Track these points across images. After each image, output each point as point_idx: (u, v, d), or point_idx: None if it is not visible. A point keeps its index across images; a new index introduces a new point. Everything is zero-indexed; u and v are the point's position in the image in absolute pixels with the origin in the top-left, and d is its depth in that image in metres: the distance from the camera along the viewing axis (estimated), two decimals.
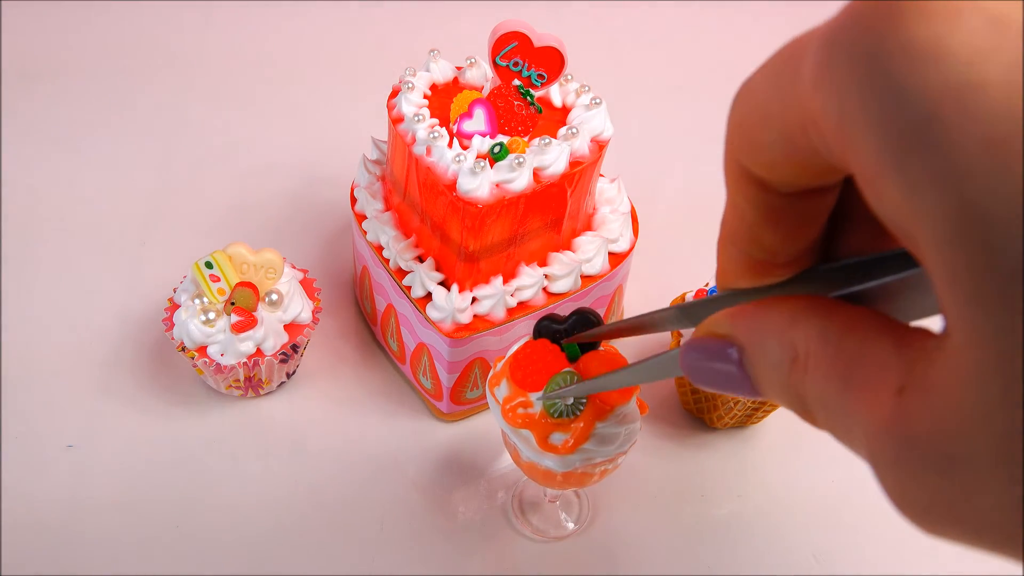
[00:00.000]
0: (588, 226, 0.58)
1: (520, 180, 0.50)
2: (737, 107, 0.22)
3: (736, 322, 0.23)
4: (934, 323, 0.20)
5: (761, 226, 0.23)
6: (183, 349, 0.56)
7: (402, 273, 0.56)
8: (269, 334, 0.55)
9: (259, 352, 0.55)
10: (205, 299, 0.55)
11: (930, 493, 0.17)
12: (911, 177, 0.16)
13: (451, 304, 0.53)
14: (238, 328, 0.54)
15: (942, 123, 0.15)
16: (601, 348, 0.45)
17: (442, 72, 0.56)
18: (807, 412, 0.21)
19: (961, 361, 0.16)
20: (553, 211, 0.53)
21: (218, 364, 0.55)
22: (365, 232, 0.58)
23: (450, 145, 0.51)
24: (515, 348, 0.46)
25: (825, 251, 0.24)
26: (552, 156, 0.51)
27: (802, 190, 0.22)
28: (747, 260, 0.24)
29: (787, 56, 0.19)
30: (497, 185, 0.50)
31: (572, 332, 0.44)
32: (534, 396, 0.44)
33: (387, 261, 0.56)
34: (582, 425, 0.43)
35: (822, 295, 0.22)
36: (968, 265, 0.16)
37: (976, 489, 0.17)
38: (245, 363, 0.55)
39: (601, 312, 0.59)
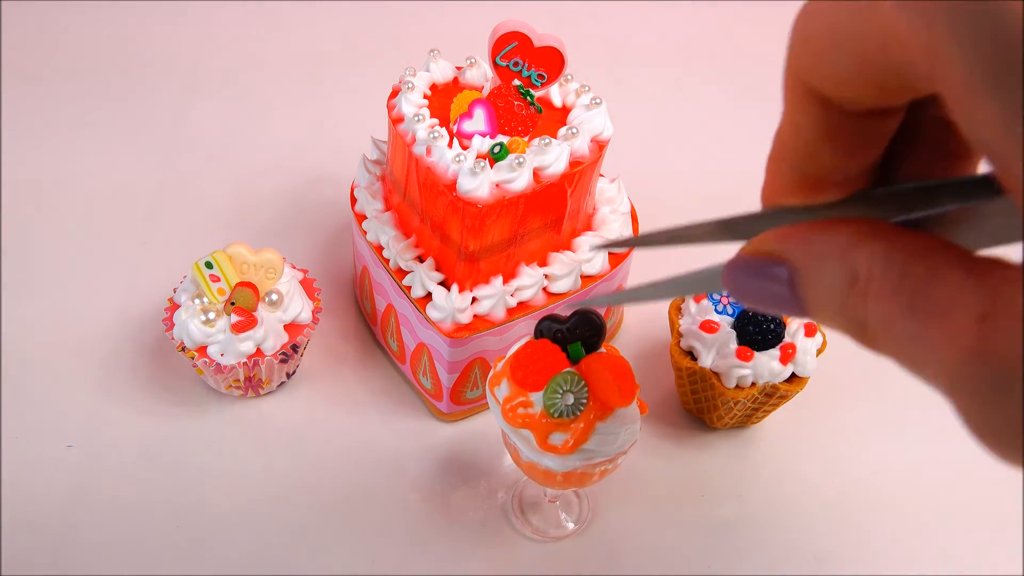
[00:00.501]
0: (588, 226, 0.58)
1: (520, 180, 0.50)
2: (803, 22, 0.21)
3: (789, 242, 0.22)
4: (1001, 252, 0.20)
5: (819, 144, 0.22)
6: (183, 349, 0.56)
7: (402, 273, 0.56)
8: (269, 334, 0.55)
9: (259, 352, 0.55)
10: (205, 299, 0.55)
11: (1018, 421, 0.17)
12: (1007, 101, 0.16)
13: (451, 304, 0.53)
14: (238, 328, 0.54)
15: None
16: (603, 350, 0.45)
17: (442, 72, 0.56)
18: (865, 335, 0.21)
19: None
20: (553, 211, 0.53)
21: (218, 364, 0.55)
22: (365, 232, 0.58)
23: (450, 145, 0.51)
24: (516, 348, 0.46)
25: (882, 173, 0.24)
26: (552, 156, 0.51)
27: (869, 109, 0.21)
28: (799, 177, 0.23)
29: None
30: (497, 185, 0.50)
31: (574, 332, 0.44)
32: (534, 396, 0.44)
33: (387, 261, 0.56)
34: (582, 425, 0.43)
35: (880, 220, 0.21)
36: None
37: None
38: (245, 363, 0.55)
39: (601, 312, 0.59)
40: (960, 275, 0.19)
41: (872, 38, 0.19)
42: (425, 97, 0.55)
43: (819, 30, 0.20)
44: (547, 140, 0.51)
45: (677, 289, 0.29)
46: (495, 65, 0.53)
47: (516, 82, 0.54)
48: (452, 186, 0.50)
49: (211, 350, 0.55)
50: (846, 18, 0.19)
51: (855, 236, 0.21)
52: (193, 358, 0.55)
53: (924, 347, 0.19)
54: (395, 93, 0.55)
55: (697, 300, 0.56)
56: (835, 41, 0.20)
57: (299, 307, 0.57)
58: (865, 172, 0.23)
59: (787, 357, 0.54)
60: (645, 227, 0.63)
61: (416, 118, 0.52)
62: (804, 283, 0.22)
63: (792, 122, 0.23)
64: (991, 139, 0.17)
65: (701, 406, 0.58)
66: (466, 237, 0.51)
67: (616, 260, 0.58)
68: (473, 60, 0.57)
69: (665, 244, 0.30)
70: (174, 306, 0.57)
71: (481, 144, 0.51)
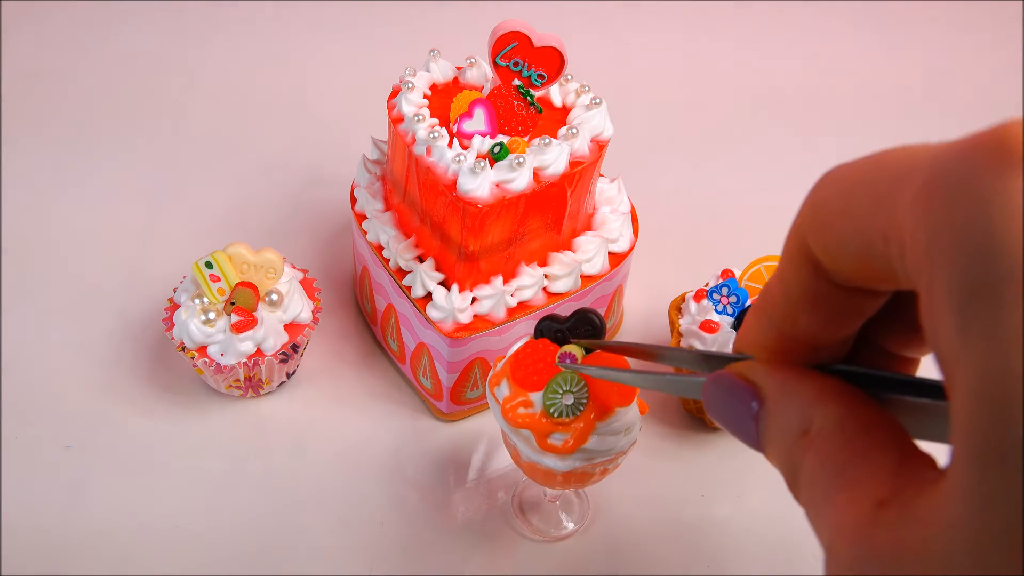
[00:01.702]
0: (588, 226, 0.58)
1: (520, 180, 0.50)
2: (822, 188, 0.22)
3: (769, 376, 0.24)
4: (931, 448, 0.21)
5: (801, 306, 0.23)
6: (183, 349, 0.56)
7: (402, 273, 0.56)
8: (269, 334, 0.55)
9: (259, 352, 0.55)
10: (205, 299, 0.55)
11: None
12: (969, 325, 0.17)
13: (451, 304, 0.53)
14: (238, 328, 0.54)
15: (1016, 286, 0.16)
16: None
17: (442, 72, 0.56)
18: (794, 482, 0.23)
19: (948, 506, 0.17)
20: (553, 211, 0.53)
21: (218, 364, 0.55)
22: (365, 232, 0.58)
23: (450, 145, 0.51)
24: (515, 348, 0.46)
25: (850, 350, 0.25)
26: (552, 156, 0.51)
27: (855, 287, 0.22)
28: (775, 333, 0.24)
29: (892, 165, 0.20)
30: (497, 185, 0.50)
31: (574, 332, 0.44)
32: (534, 396, 0.44)
33: (387, 261, 0.56)
34: (582, 425, 0.43)
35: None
36: (987, 426, 0.16)
37: None
38: (245, 363, 0.55)
39: (601, 312, 0.59)
40: (889, 461, 0.20)
41: (879, 225, 0.19)
42: (425, 97, 0.55)
43: (834, 201, 0.21)
44: (547, 140, 0.51)
45: (660, 385, 0.32)
46: (495, 65, 0.53)
47: (516, 82, 0.54)
48: (452, 186, 0.50)
49: (211, 350, 0.55)
50: (863, 198, 0.20)
51: (820, 391, 0.22)
52: (193, 358, 0.55)
53: (828, 510, 0.20)
54: (395, 93, 0.55)
55: (697, 299, 0.56)
56: (846, 216, 0.21)
57: (299, 307, 0.57)
58: (838, 343, 0.24)
59: None
60: (644, 228, 0.63)
61: (416, 118, 0.52)
62: (765, 418, 0.24)
63: (782, 278, 0.24)
64: (943, 353, 0.18)
65: (701, 406, 0.58)
66: (466, 237, 0.51)
67: (616, 260, 0.58)
68: (473, 60, 0.57)
69: (638, 356, 0.32)
70: (174, 306, 0.57)
71: (481, 144, 0.51)
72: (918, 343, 0.25)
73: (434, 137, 0.51)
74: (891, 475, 0.20)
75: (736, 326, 0.54)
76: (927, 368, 0.24)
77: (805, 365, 0.24)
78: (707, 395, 0.26)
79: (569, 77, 0.56)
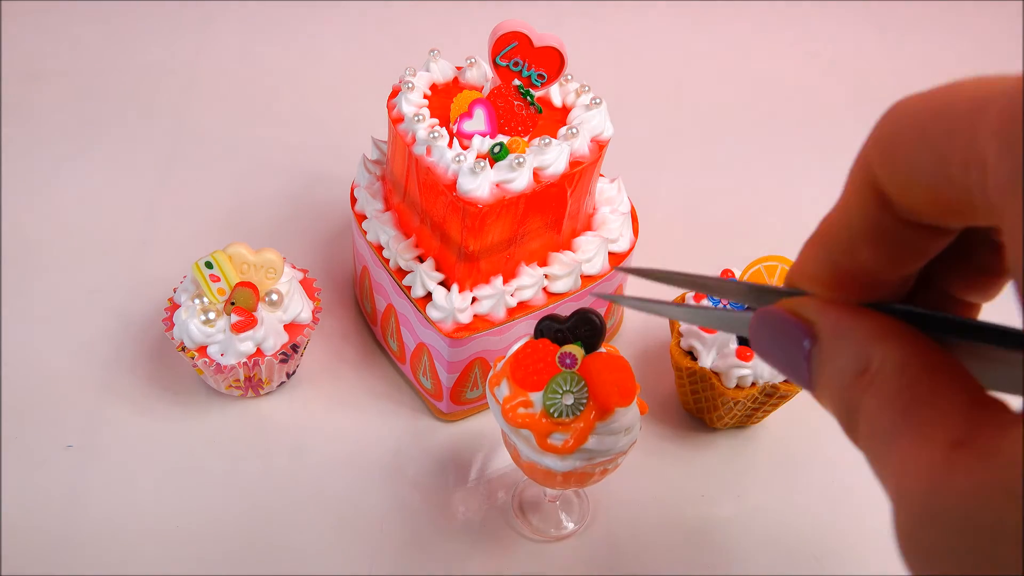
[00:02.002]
0: (588, 226, 0.58)
1: (520, 180, 0.50)
2: (892, 116, 0.21)
3: (823, 315, 0.23)
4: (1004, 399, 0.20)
5: (864, 241, 0.22)
6: (183, 349, 0.56)
7: (402, 273, 0.56)
8: (269, 334, 0.55)
9: (259, 352, 0.55)
10: (205, 299, 0.55)
11: (944, 549, 0.18)
12: None
13: (451, 304, 0.53)
14: (238, 328, 0.54)
15: None
16: (602, 350, 0.45)
17: (442, 72, 0.56)
18: (851, 424, 0.21)
19: None
20: (553, 211, 0.53)
21: (218, 364, 0.55)
22: (365, 232, 0.58)
23: (450, 145, 0.51)
24: (515, 348, 0.46)
25: (910, 290, 0.24)
26: (552, 156, 0.51)
27: (923, 224, 0.21)
28: (831, 267, 0.23)
29: (967, 94, 0.19)
30: (497, 185, 0.50)
31: (574, 332, 0.44)
32: (534, 396, 0.44)
33: (387, 261, 0.56)
34: (582, 425, 0.43)
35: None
36: None
37: (996, 564, 0.17)
38: (245, 363, 0.55)
39: (601, 312, 0.59)
40: (960, 403, 0.19)
41: (958, 154, 0.18)
42: (425, 97, 0.55)
43: (907, 130, 0.20)
44: (547, 140, 0.51)
45: (705, 319, 0.30)
46: (495, 65, 0.53)
47: (516, 82, 0.54)
48: (452, 186, 0.50)
49: (211, 350, 0.55)
50: (939, 127, 0.19)
51: (879, 331, 0.21)
52: (193, 358, 0.55)
53: (895, 452, 0.20)
54: (395, 93, 0.55)
55: (697, 300, 0.56)
56: (920, 143, 0.20)
57: (299, 307, 0.57)
58: (898, 282, 0.23)
59: None
60: (644, 228, 0.63)
61: (416, 118, 0.52)
62: (819, 357, 0.22)
63: (845, 210, 0.22)
64: None
65: (701, 406, 0.58)
66: (466, 237, 0.51)
67: (616, 260, 0.58)
68: (473, 60, 0.57)
69: (691, 288, 0.30)
70: (174, 306, 0.57)
71: (481, 144, 0.51)
72: (982, 287, 0.24)
73: (434, 137, 0.51)
74: (962, 417, 0.19)
75: None
76: (988, 314, 0.23)
77: (861, 303, 0.23)
78: (754, 332, 0.25)
79: (569, 77, 0.56)
